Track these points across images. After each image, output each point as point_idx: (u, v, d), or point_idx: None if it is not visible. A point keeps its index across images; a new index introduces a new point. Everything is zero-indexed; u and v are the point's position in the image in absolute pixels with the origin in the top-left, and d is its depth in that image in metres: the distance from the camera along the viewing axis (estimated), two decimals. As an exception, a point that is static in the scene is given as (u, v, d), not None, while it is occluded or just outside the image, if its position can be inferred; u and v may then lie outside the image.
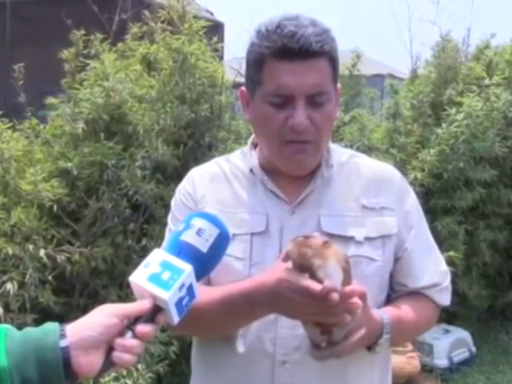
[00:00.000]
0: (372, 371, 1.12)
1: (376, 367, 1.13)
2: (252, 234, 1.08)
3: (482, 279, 3.94)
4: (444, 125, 3.70)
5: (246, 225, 1.09)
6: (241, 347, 1.07)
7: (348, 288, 0.91)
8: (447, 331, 3.64)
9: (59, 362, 0.73)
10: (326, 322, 0.94)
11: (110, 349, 0.76)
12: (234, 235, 1.06)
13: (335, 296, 0.88)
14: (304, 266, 0.90)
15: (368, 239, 1.09)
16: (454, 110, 3.67)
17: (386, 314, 1.05)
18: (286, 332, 1.04)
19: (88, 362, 0.74)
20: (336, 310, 0.91)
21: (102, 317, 0.77)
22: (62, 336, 0.74)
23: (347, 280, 0.92)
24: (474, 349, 3.72)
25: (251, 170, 1.14)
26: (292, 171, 1.10)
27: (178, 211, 1.15)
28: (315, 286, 0.89)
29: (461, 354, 3.62)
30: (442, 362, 3.54)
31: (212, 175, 1.17)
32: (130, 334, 0.77)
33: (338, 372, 1.06)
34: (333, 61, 1.05)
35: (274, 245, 1.07)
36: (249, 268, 1.06)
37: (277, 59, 1.02)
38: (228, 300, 1.02)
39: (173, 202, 1.19)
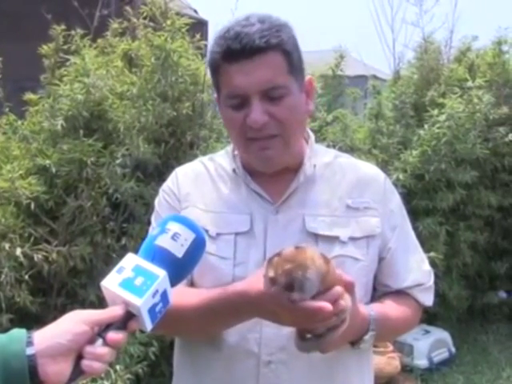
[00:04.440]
0: (357, 370, 1.11)
1: (362, 366, 1.13)
2: (236, 234, 1.07)
3: (462, 280, 3.98)
4: (426, 126, 3.72)
5: (230, 224, 1.08)
6: (225, 347, 1.06)
7: (335, 290, 0.89)
8: (427, 332, 3.67)
9: (25, 370, 0.70)
10: (313, 327, 0.92)
11: (80, 357, 0.74)
12: (217, 234, 1.07)
13: (328, 309, 0.87)
14: (290, 284, 0.87)
15: (352, 239, 1.08)
16: (436, 112, 3.69)
17: (372, 310, 1.05)
18: (271, 332, 1.03)
19: (56, 370, 0.72)
20: (322, 318, 0.90)
21: (72, 324, 0.74)
22: (29, 343, 0.72)
23: (331, 278, 0.89)
24: (453, 349, 3.76)
25: (234, 170, 1.14)
26: (262, 168, 1.10)
27: (162, 211, 1.14)
28: (308, 304, 0.87)
29: (440, 355, 3.65)
30: (421, 362, 3.57)
31: (196, 174, 1.16)
32: (100, 341, 0.74)
33: (324, 372, 1.05)
34: (286, 53, 1.04)
35: (259, 245, 1.06)
36: (233, 268, 1.06)
37: (227, 62, 1.03)
38: (211, 306, 1.01)
39: (156, 202, 1.18)
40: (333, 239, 1.07)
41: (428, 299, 1.18)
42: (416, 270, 1.16)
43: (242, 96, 1.03)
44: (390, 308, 1.11)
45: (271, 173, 1.10)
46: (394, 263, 1.13)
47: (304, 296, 0.86)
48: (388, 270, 1.14)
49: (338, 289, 0.90)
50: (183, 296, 1.02)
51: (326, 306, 0.87)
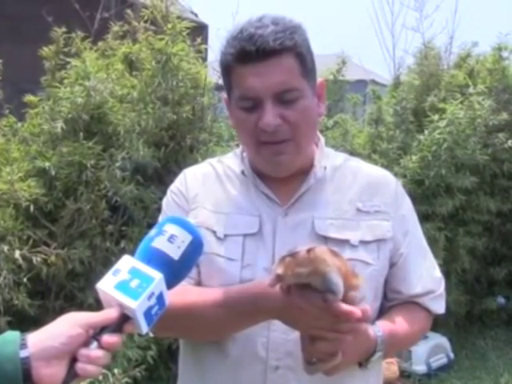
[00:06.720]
0: (363, 377, 1.10)
1: (368, 374, 1.10)
2: (245, 236, 1.06)
3: (460, 285, 3.97)
4: (426, 131, 3.72)
5: (239, 226, 1.07)
6: (232, 351, 1.04)
7: (364, 309, 0.90)
8: (426, 337, 3.65)
9: (18, 373, 0.69)
10: (327, 337, 0.92)
11: (74, 360, 0.73)
12: (225, 236, 1.06)
13: (357, 315, 0.88)
14: (303, 284, 0.88)
15: (363, 243, 1.07)
16: (436, 117, 3.69)
17: (380, 331, 1.03)
18: (278, 336, 1.02)
19: (50, 373, 0.71)
20: (343, 329, 0.90)
21: (66, 326, 0.73)
22: (23, 346, 0.71)
23: (345, 269, 0.89)
24: (451, 355, 3.74)
25: (243, 172, 1.13)
26: (273, 173, 1.09)
27: (170, 211, 1.13)
28: (341, 306, 0.88)
29: (439, 360, 3.64)
30: (420, 367, 3.55)
31: (205, 175, 1.15)
32: (95, 344, 0.74)
33: (332, 378, 1.02)
34: (300, 56, 1.03)
35: (267, 247, 1.05)
36: (240, 270, 1.04)
37: (240, 64, 1.02)
38: (232, 303, 0.99)
39: (164, 202, 1.17)
40: (343, 242, 1.05)
41: (440, 307, 1.17)
42: (427, 276, 1.15)
43: (255, 98, 1.02)
44: (398, 324, 1.09)
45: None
46: (405, 269, 1.12)
47: (337, 298, 0.87)
48: (399, 276, 1.12)
49: (368, 308, 0.92)
50: (201, 294, 1.01)
51: (357, 312, 0.88)
